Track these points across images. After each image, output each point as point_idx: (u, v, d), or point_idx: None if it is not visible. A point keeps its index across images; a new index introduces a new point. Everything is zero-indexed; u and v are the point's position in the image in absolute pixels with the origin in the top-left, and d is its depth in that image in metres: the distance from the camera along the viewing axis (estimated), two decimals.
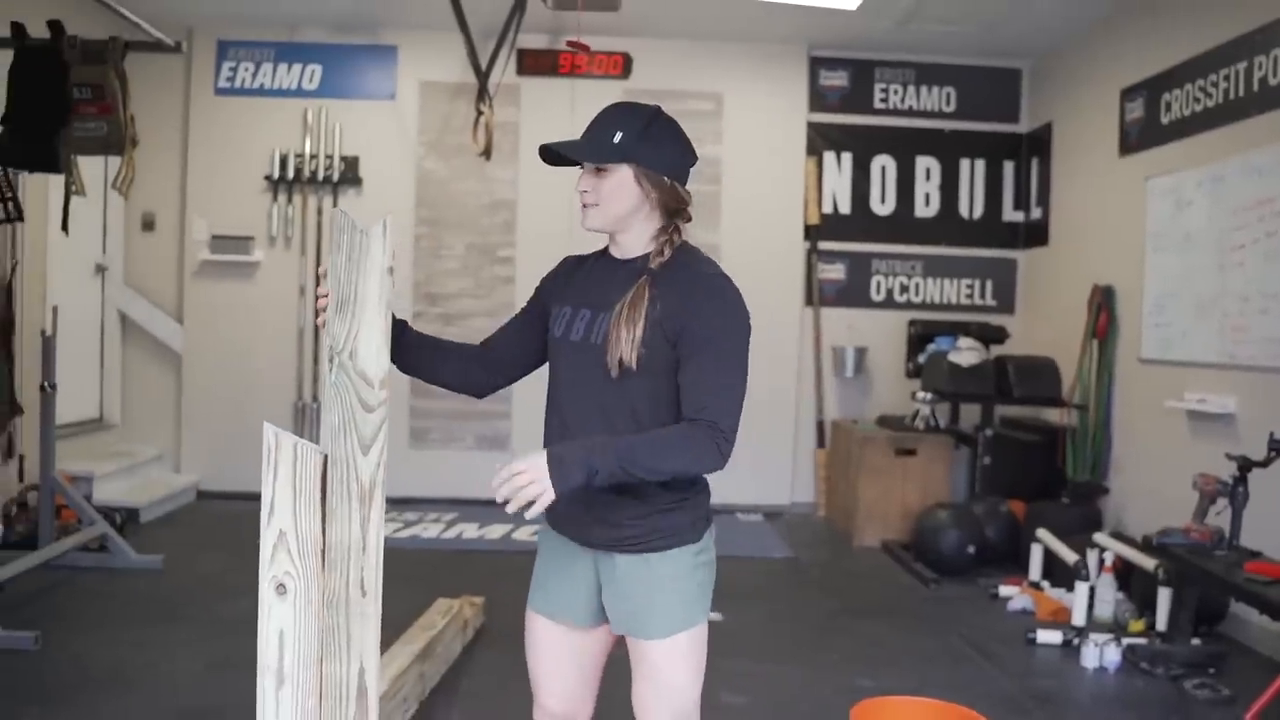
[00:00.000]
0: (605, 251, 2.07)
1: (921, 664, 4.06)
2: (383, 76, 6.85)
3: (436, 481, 6.76)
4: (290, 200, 6.79)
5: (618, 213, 1.95)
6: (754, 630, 4.43)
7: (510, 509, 1.75)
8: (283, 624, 1.72)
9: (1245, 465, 3.83)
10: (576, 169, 2.00)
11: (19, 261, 5.38)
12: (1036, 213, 6.90)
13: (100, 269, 6.65)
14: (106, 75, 4.80)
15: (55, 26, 4.76)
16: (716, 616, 4.56)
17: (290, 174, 6.75)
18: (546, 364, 2.09)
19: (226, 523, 5.99)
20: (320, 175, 6.78)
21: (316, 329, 6.26)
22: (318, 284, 1.83)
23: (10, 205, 4.95)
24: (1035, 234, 6.92)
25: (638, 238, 1.98)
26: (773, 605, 4.90)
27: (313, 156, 6.77)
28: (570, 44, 5.65)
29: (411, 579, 4.52)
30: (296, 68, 6.77)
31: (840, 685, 3.71)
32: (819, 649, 4.25)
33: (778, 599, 5.03)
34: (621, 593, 1.97)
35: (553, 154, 1.95)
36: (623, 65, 6.84)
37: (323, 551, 1.74)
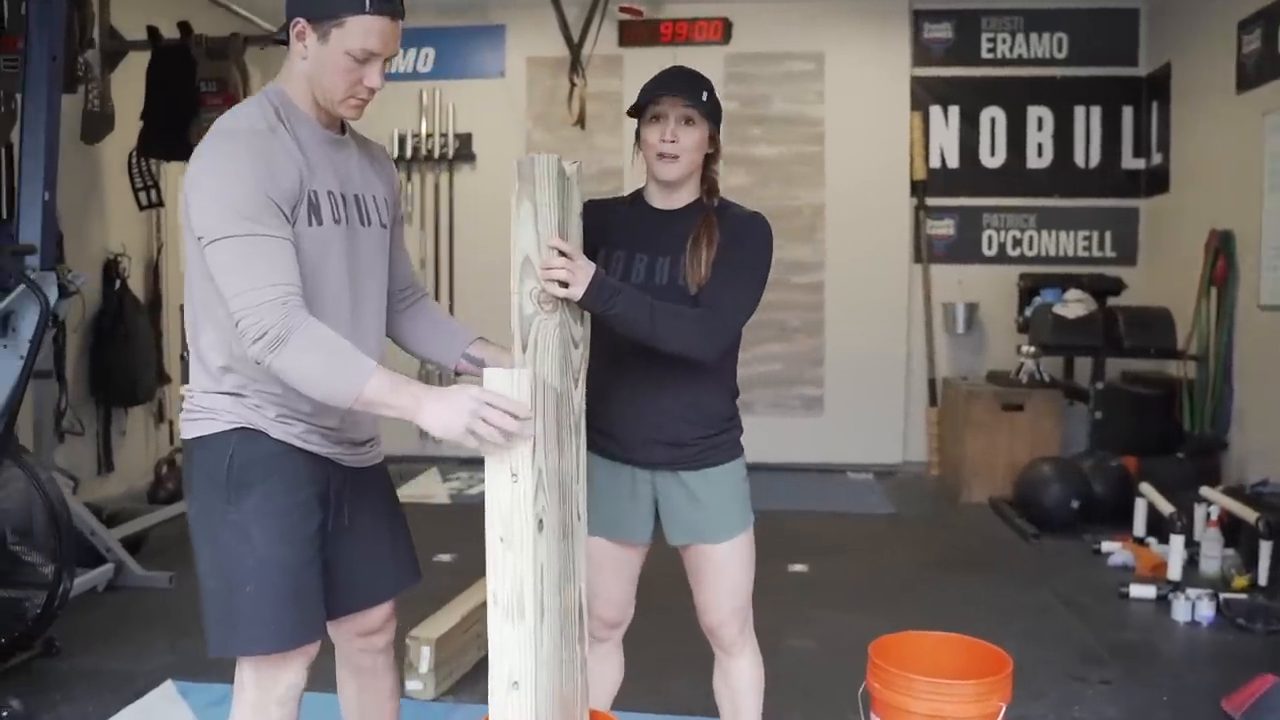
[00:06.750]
0: (637, 201, 2.24)
1: (1001, 615, 4.01)
2: (492, 55, 7.13)
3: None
4: (410, 178, 7.15)
5: (692, 166, 2.14)
6: (837, 582, 4.50)
7: (542, 279, 1.85)
8: (543, 558, 1.71)
9: None
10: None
11: (164, 244, 5.92)
12: (1157, 159, 6.61)
13: None
14: (229, 69, 5.22)
15: (184, 28, 5.22)
16: (801, 567, 4.69)
17: (409, 153, 7.10)
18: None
19: None
20: (436, 153, 7.12)
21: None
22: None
23: (154, 192, 5.48)
24: (1156, 181, 6.62)
25: (690, 189, 2.18)
26: (863, 559, 4.94)
27: (429, 135, 7.11)
28: (623, 9, 5.86)
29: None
30: (411, 51, 7.11)
31: None
32: (899, 600, 4.28)
33: (870, 553, 5.06)
34: (687, 506, 2.20)
35: (655, 94, 2.10)
36: (723, 30, 6.86)
37: (558, 485, 1.77)
